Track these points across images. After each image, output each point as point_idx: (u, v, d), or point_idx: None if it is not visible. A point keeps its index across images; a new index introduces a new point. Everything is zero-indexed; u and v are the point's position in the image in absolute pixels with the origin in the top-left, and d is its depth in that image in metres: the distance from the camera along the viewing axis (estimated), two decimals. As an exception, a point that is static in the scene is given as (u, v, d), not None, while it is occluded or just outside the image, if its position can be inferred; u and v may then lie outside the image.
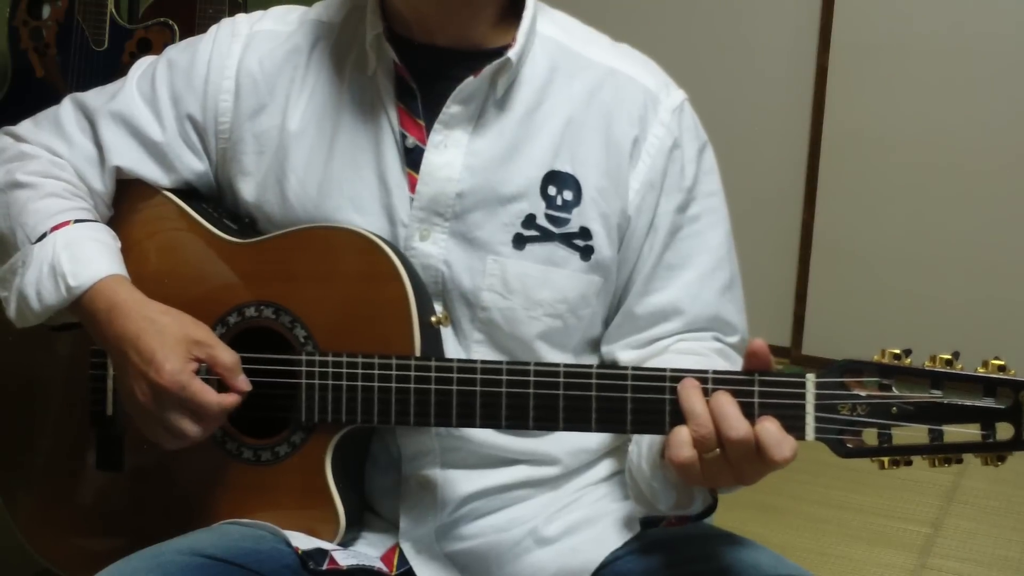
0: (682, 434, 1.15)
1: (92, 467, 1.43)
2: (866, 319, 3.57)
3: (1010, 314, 3.41)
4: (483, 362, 1.25)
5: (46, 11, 2.90)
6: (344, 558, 1.31)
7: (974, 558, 2.60)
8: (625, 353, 1.39)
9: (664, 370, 1.19)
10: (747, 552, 1.32)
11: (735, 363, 1.37)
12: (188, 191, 1.44)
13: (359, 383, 1.28)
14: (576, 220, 1.34)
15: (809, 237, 3.60)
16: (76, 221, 1.36)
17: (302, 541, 1.31)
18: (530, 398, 1.23)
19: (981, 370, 1.11)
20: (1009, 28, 3.31)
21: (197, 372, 1.28)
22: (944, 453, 1.11)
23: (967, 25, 3.35)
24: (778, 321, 3.64)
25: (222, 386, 1.30)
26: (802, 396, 1.15)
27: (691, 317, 1.38)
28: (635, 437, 1.31)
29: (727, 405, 1.14)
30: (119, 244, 1.39)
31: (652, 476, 1.25)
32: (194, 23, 2.87)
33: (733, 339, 1.41)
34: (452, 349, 1.34)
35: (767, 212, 3.59)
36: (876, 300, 3.55)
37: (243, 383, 1.30)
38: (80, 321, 1.35)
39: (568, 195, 1.34)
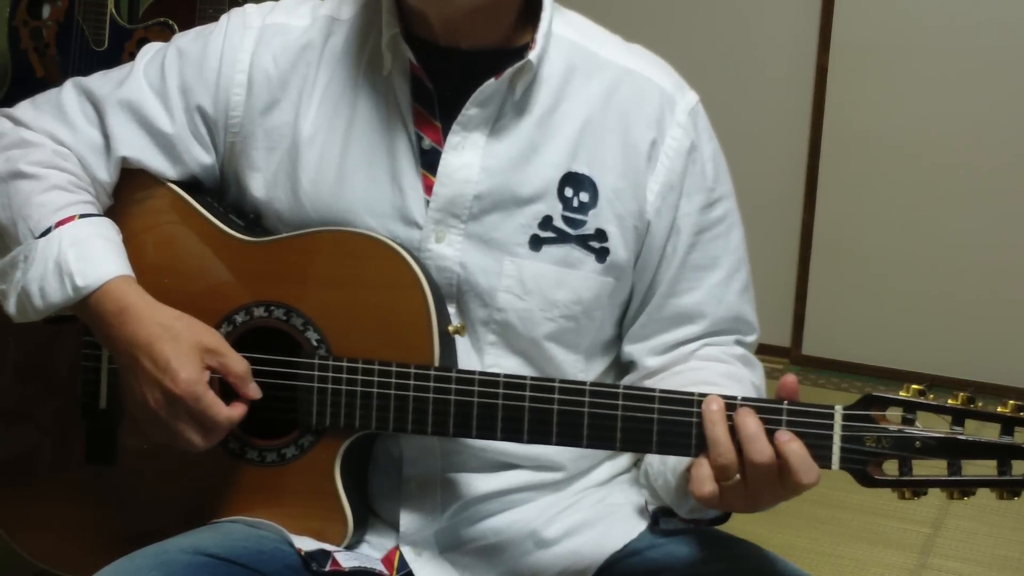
0: (704, 469, 1.17)
1: (85, 463, 1.41)
2: (866, 319, 3.57)
3: (1011, 314, 3.41)
4: (506, 376, 1.24)
5: (46, 11, 2.90)
6: (346, 560, 1.30)
7: (974, 558, 2.60)
8: (650, 359, 1.39)
9: (692, 394, 1.20)
10: (747, 553, 1.33)
11: (756, 368, 1.40)
12: (192, 184, 1.42)
13: (375, 390, 1.28)
14: (592, 222, 1.34)
15: (809, 237, 3.60)
16: (81, 216, 1.34)
17: (304, 542, 1.31)
18: (554, 414, 1.23)
19: (1001, 409, 1.16)
20: (1010, 28, 3.31)
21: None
22: (962, 486, 1.16)
23: (967, 25, 3.35)
24: (778, 321, 3.63)
25: (228, 392, 1.29)
26: (830, 427, 1.17)
27: (715, 319, 1.39)
28: None
29: (753, 427, 1.15)
30: (121, 239, 1.37)
31: (677, 486, 1.27)
32: (194, 23, 2.86)
33: (751, 337, 1.42)
34: (464, 350, 1.34)
35: (767, 212, 3.59)
36: (876, 300, 3.55)
37: (254, 391, 1.30)
38: (83, 320, 1.34)
39: (585, 197, 1.34)
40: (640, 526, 1.37)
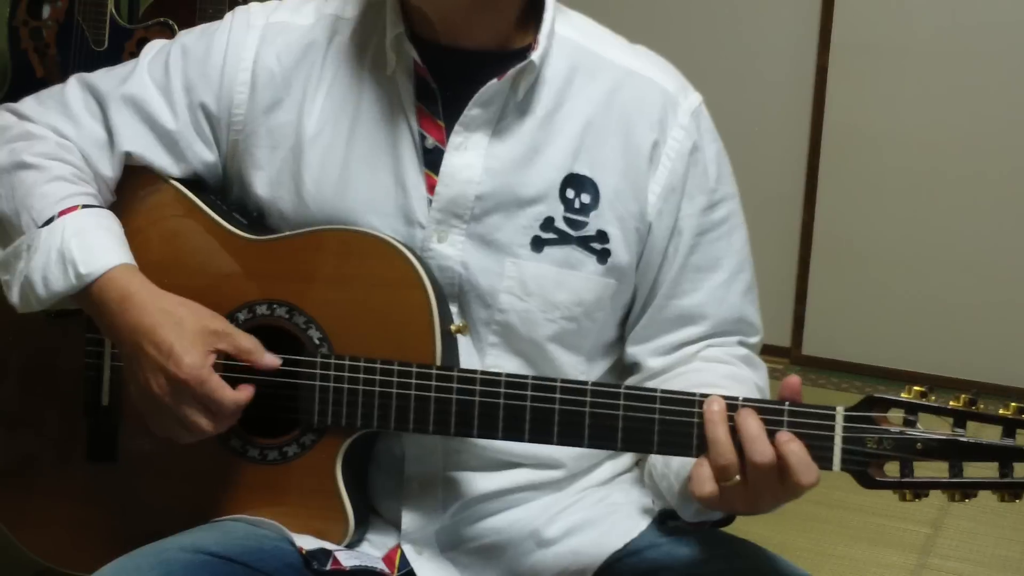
0: (705, 470, 1.16)
1: (87, 460, 1.41)
2: (866, 319, 3.57)
3: (1010, 314, 3.41)
4: (508, 376, 1.25)
5: (46, 11, 2.90)
6: (347, 559, 1.30)
7: (974, 558, 2.60)
8: (653, 360, 1.39)
9: (694, 395, 1.20)
10: (747, 552, 1.33)
11: (759, 369, 1.40)
12: (195, 182, 1.42)
13: (377, 388, 1.28)
14: (594, 223, 1.34)
15: (809, 237, 3.60)
16: (84, 206, 1.34)
17: (305, 541, 1.31)
18: (555, 414, 1.23)
19: (1003, 411, 1.16)
20: (1009, 27, 3.31)
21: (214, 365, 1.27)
22: (963, 489, 1.16)
23: (967, 24, 3.35)
24: (778, 321, 3.63)
25: (234, 384, 1.29)
26: (831, 428, 1.17)
27: (717, 320, 1.39)
28: None
29: (754, 428, 1.15)
30: (124, 231, 1.37)
31: (681, 491, 1.27)
32: (194, 23, 2.85)
33: (755, 339, 1.42)
34: (466, 351, 1.34)
35: (767, 212, 3.58)
36: (876, 300, 3.55)
37: (270, 359, 1.30)
38: (85, 310, 1.34)
39: (586, 198, 1.34)
40: (641, 525, 1.37)
